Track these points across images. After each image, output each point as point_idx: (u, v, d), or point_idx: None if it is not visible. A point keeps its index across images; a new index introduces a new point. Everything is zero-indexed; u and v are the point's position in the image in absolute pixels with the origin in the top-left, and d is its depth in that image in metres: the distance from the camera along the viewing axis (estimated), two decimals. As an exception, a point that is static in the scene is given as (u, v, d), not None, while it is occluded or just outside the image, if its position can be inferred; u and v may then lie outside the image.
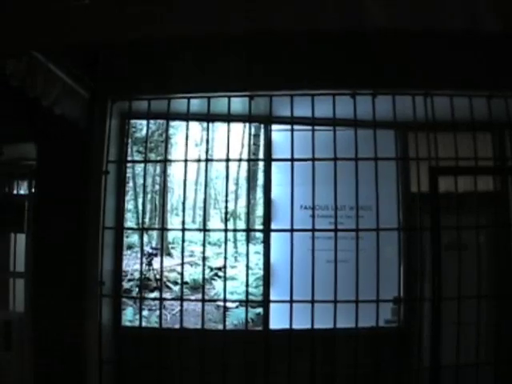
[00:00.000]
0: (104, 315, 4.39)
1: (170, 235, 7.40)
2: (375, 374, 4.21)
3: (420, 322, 4.46)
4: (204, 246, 4.58)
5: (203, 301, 4.51)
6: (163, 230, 4.94)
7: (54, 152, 4.34)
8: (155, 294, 5.97)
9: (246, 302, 4.54)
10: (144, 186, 4.94)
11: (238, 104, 4.50)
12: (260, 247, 5.07)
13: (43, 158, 4.44)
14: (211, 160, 4.83)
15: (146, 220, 6.52)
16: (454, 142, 4.27)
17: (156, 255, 6.85)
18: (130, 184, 6.85)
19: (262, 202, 5.07)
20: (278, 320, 4.62)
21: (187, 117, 4.48)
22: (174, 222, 7.81)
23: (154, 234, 7.46)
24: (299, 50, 4.21)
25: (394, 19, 2.80)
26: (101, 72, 4.36)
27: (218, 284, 6.37)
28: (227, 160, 4.48)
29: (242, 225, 7.14)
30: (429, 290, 4.53)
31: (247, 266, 4.51)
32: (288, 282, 4.29)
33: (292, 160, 4.37)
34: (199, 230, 5.39)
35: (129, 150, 5.20)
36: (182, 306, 4.48)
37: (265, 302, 4.78)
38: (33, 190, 4.65)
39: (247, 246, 4.58)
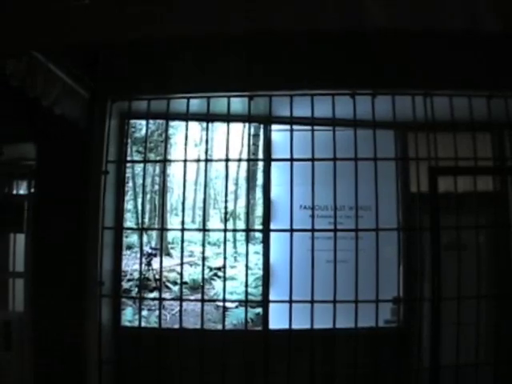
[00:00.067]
0: (104, 315, 4.39)
1: (170, 235, 7.39)
2: (375, 374, 4.21)
3: (419, 322, 4.47)
4: (203, 246, 4.59)
5: (203, 301, 4.51)
6: (163, 230, 4.95)
7: (54, 152, 4.35)
8: (155, 294, 5.95)
9: (246, 302, 4.55)
10: (143, 186, 4.94)
11: (238, 104, 4.50)
12: (259, 247, 5.07)
13: (43, 158, 4.44)
14: (211, 160, 4.84)
15: (146, 220, 6.51)
16: (453, 142, 4.27)
17: (155, 255, 6.84)
18: (130, 184, 6.84)
19: (262, 202, 5.07)
20: (278, 320, 4.62)
21: (187, 117, 4.48)
22: (173, 222, 7.80)
23: (154, 234, 7.46)
24: (299, 50, 4.21)
25: (393, 19, 2.81)
26: (101, 72, 4.37)
27: (218, 284, 6.37)
28: (227, 160, 4.48)
29: (241, 225, 7.14)
30: (428, 290, 4.52)
31: (247, 266, 4.51)
32: (287, 282, 4.29)
33: (291, 160, 4.38)
34: (199, 230, 5.40)
35: (128, 150, 5.20)
36: (181, 306, 4.47)
37: (264, 302, 4.78)
38: (32, 190, 4.64)
39: (247, 246, 4.58)
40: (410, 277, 4.76)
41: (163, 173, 4.94)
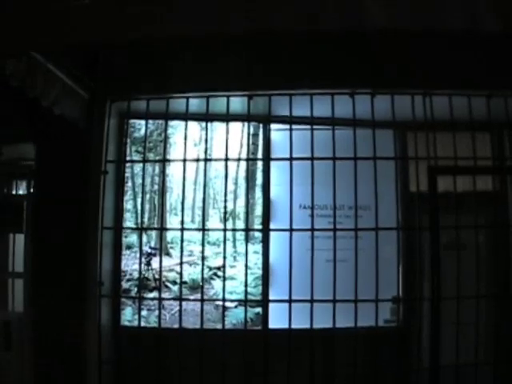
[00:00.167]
0: (103, 315, 4.40)
1: (169, 235, 7.36)
2: (374, 373, 4.22)
3: (419, 322, 4.47)
4: (203, 245, 4.59)
5: (202, 300, 4.52)
6: (162, 229, 4.96)
7: (54, 152, 4.34)
8: (154, 294, 5.93)
9: (245, 302, 4.56)
10: (143, 185, 4.94)
11: (237, 103, 4.51)
12: (259, 247, 5.07)
13: (42, 158, 4.44)
14: (210, 160, 4.83)
15: (145, 220, 6.49)
16: (452, 141, 4.27)
17: (155, 255, 6.81)
18: (129, 184, 6.81)
19: (261, 202, 5.08)
20: (277, 319, 4.63)
21: (186, 116, 4.48)
22: (172, 221, 7.78)
23: (153, 233, 7.44)
24: (298, 50, 4.21)
25: (393, 19, 2.80)
26: (100, 72, 4.37)
27: (217, 284, 6.35)
28: (226, 159, 4.48)
29: (240, 224, 7.11)
30: (428, 290, 4.53)
31: (246, 266, 4.52)
32: (287, 281, 4.29)
33: (291, 159, 4.38)
34: (198, 229, 5.38)
35: (128, 149, 5.20)
36: (180, 305, 4.49)
37: (264, 302, 4.79)
38: (32, 190, 4.64)
39: (246, 245, 4.59)
40: (410, 276, 4.77)
41: (163, 172, 4.94)
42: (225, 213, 4.81)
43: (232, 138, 4.86)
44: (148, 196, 7.72)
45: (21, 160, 4.76)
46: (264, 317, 4.78)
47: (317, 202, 4.45)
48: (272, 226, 4.85)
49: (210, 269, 6.61)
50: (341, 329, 4.20)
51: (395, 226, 4.48)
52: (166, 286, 6.67)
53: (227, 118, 4.48)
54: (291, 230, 4.35)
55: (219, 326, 4.76)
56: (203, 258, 4.65)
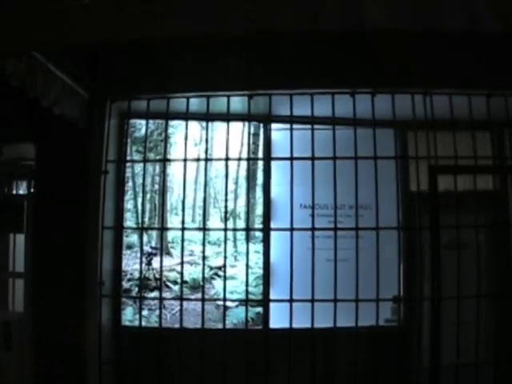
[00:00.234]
0: (104, 315, 4.40)
1: (170, 235, 7.39)
2: (375, 373, 4.22)
3: (420, 321, 4.46)
4: (204, 245, 4.58)
5: (203, 300, 4.50)
6: (163, 229, 4.95)
7: (54, 152, 4.34)
8: (155, 294, 5.96)
9: (246, 302, 4.55)
10: (143, 185, 4.94)
11: (238, 103, 4.50)
12: (260, 246, 5.07)
13: (43, 158, 4.43)
14: (211, 159, 4.83)
15: (146, 219, 6.51)
16: (453, 140, 4.27)
17: (156, 255, 6.84)
18: (130, 183, 6.84)
19: (262, 201, 5.07)
20: (278, 319, 4.62)
21: (186, 116, 4.48)
22: (173, 221, 7.80)
23: (154, 233, 7.46)
24: (299, 50, 4.20)
25: (394, 19, 2.80)
26: (100, 72, 4.36)
27: (218, 283, 6.37)
28: (227, 159, 4.48)
29: (241, 224, 7.14)
30: (428, 289, 4.52)
31: (247, 265, 4.51)
32: (288, 281, 4.29)
33: (291, 159, 4.38)
34: (199, 229, 5.39)
35: (128, 149, 5.20)
36: (181, 305, 4.48)
37: (265, 301, 4.78)
38: (32, 190, 4.64)
39: (247, 245, 4.59)
40: (410, 276, 4.77)
41: (163, 172, 4.94)
42: (225, 212, 4.82)
43: (232, 137, 4.86)
44: (149, 196, 7.74)
45: (21, 160, 4.76)
46: (265, 316, 4.77)
47: (317, 202, 4.45)
48: (273, 226, 4.84)
49: (211, 268, 6.63)
50: (342, 328, 4.20)
51: (396, 225, 4.47)
52: (167, 286, 6.69)
53: (228, 117, 4.47)
54: (292, 229, 4.35)
55: (220, 326, 4.78)
56: (204, 258, 4.64)
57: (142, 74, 4.36)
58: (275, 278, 4.83)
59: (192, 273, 6.99)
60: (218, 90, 4.36)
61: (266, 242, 4.85)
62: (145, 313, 5.60)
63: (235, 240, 7.34)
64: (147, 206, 7.87)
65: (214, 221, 8.10)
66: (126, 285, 5.67)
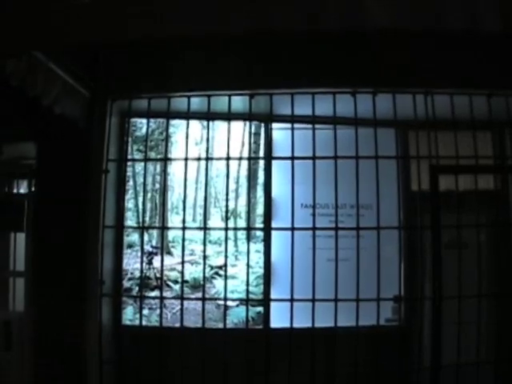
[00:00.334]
0: (104, 314, 4.40)
1: (171, 234, 7.40)
2: (375, 372, 4.22)
3: (421, 321, 4.47)
4: (204, 244, 4.58)
5: (203, 299, 4.50)
6: (163, 228, 4.94)
7: (54, 151, 4.33)
8: (155, 293, 5.97)
9: (247, 301, 4.55)
10: (144, 184, 4.94)
11: (239, 102, 4.50)
12: (260, 246, 5.07)
13: (43, 158, 4.43)
14: (211, 158, 4.82)
15: (147, 219, 6.51)
16: (454, 140, 4.27)
17: (156, 254, 6.85)
18: (130, 183, 6.85)
19: (263, 201, 5.06)
20: (279, 319, 4.62)
21: (187, 115, 4.47)
22: (174, 220, 7.81)
23: (155, 232, 7.46)
24: (300, 49, 4.19)
25: (394, 19, 2.79)
26: (101, 71, 4.35)
27: (219, 283, 6.39)
28: (227, 158, 4.48)
29: (242, 223, 7.15)
30: (429, 289, 4.52)
31: (248, 265, 4.52)
32: (289, 280, 4.29)
33: (292, 158, 4.37)
34: (199, 228, 5.39)
35: (129, 148, 5.20)
36: (182, 304, 4.48)
37: (265, 301, 4.78)
38: (33, 190, 4.63)
39: (248, 244, 4.59)
40: (411, 275, 4.77)
41: (164, 171, 4.94)
42: (226, 212, 4.82)
43: (233, 136, 4.86)
44: (149, 195, 7.74)
45: (21, 159, 4.75)
46: (265, 316, 4.78)
47: (318, 201, 4.44)
48: (274, 225, 4.83)
49: (212, 268, 6.64)
50: (342, 328, 4.20)
51: (397, 224, 4.46)
52: (168, 285, 6.70)
53: (229, 116, 4.47)
54: (293, 228, 4.35)
55: (221, 325, 4.77)
56: (205, 257, 4.64)
57: (143, 73, 4.36)
58: (276, 278, 4.83)
59: (193, 272, 6.99)
60: (218, 89, 4.36)
61: (267, 241, 4.85)
62: (145, 312, 5.60)
63: (236, 239, 7.35)
64: (148, 205, 7.87)
65: (215, 220, 8.12)
66: (126, 284, 5.67)
